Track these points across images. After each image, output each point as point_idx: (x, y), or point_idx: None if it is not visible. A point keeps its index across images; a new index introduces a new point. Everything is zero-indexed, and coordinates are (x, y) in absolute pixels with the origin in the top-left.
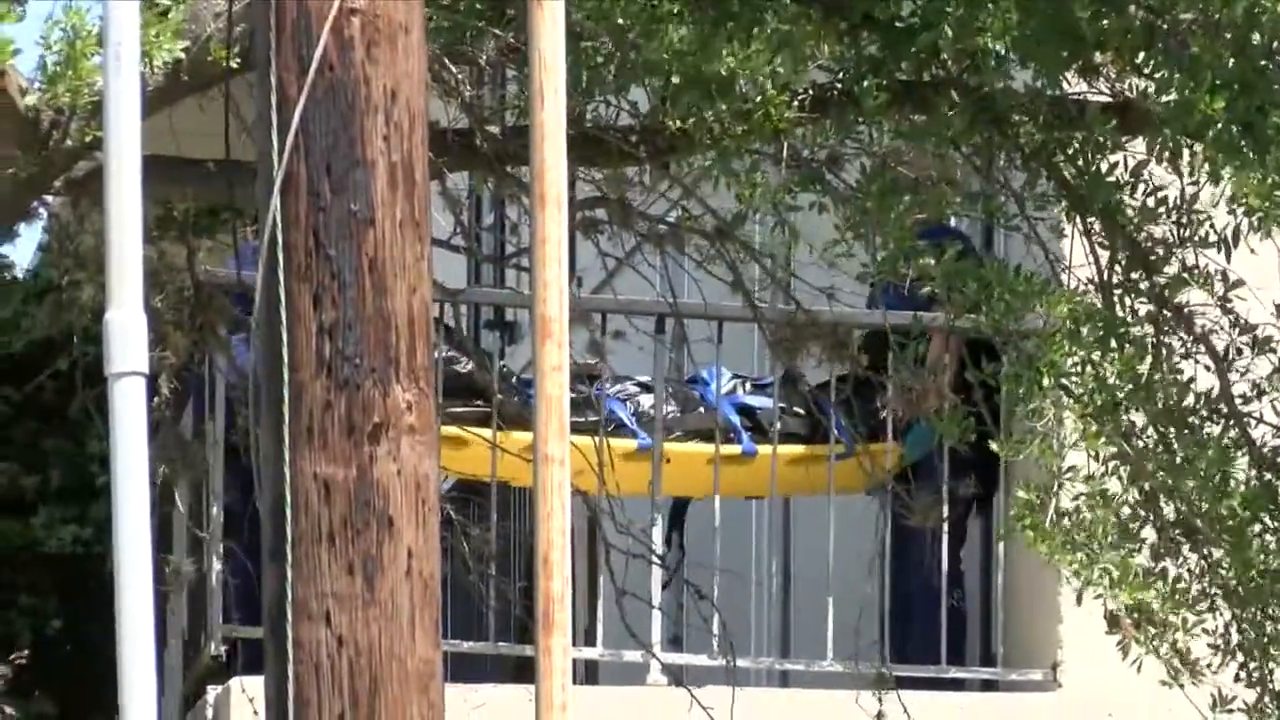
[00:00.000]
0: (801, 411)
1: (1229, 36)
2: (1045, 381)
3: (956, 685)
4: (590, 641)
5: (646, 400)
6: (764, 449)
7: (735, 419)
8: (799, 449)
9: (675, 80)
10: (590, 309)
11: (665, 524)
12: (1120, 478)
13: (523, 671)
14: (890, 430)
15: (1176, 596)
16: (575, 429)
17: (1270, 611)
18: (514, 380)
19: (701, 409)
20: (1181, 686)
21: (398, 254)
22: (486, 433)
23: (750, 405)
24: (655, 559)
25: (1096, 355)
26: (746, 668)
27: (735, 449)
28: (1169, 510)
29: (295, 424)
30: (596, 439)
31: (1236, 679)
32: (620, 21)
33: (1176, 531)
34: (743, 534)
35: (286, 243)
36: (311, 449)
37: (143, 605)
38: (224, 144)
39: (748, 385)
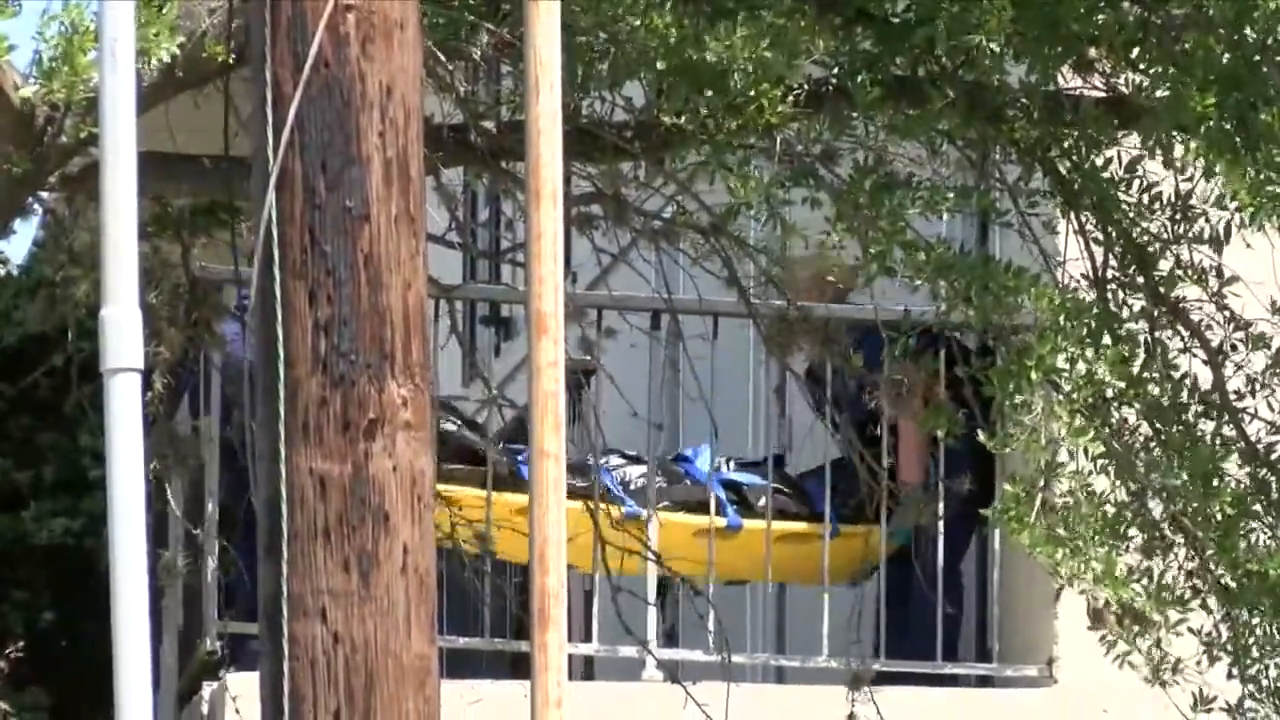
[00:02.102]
0: (789, 490)
1: (1221, 32)
2: (1033, 376)
3: (952, 681)
4: (586, 637)
5: (634, 471)
6: (749, 523)
7: (721, 493)
8: (785, 525)
9: (664, 66)
10: (585, 305)
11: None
12: (1108, 474)
13: (519, 667)
14: (876, 513)
15: (1162, 594)
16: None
17: (1260, 610)
18: (501, 444)
19: (687, 482)
20: (1164, 685)
21: (393, 250)
22: (475, 491)
23: (736, 481)
24: (651, 555)
25: (1088, 352)
26: (742, 663)
27: (720, 521)
28: (1157, 508)
29: (291, 420)
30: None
31: (1230, 677)
32: (611, 13)
33: (1166, 528)
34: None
35: (282, 239)
36: (307, 445)
37: (138, 601)
38: (220, 140)
39: (732, 464)
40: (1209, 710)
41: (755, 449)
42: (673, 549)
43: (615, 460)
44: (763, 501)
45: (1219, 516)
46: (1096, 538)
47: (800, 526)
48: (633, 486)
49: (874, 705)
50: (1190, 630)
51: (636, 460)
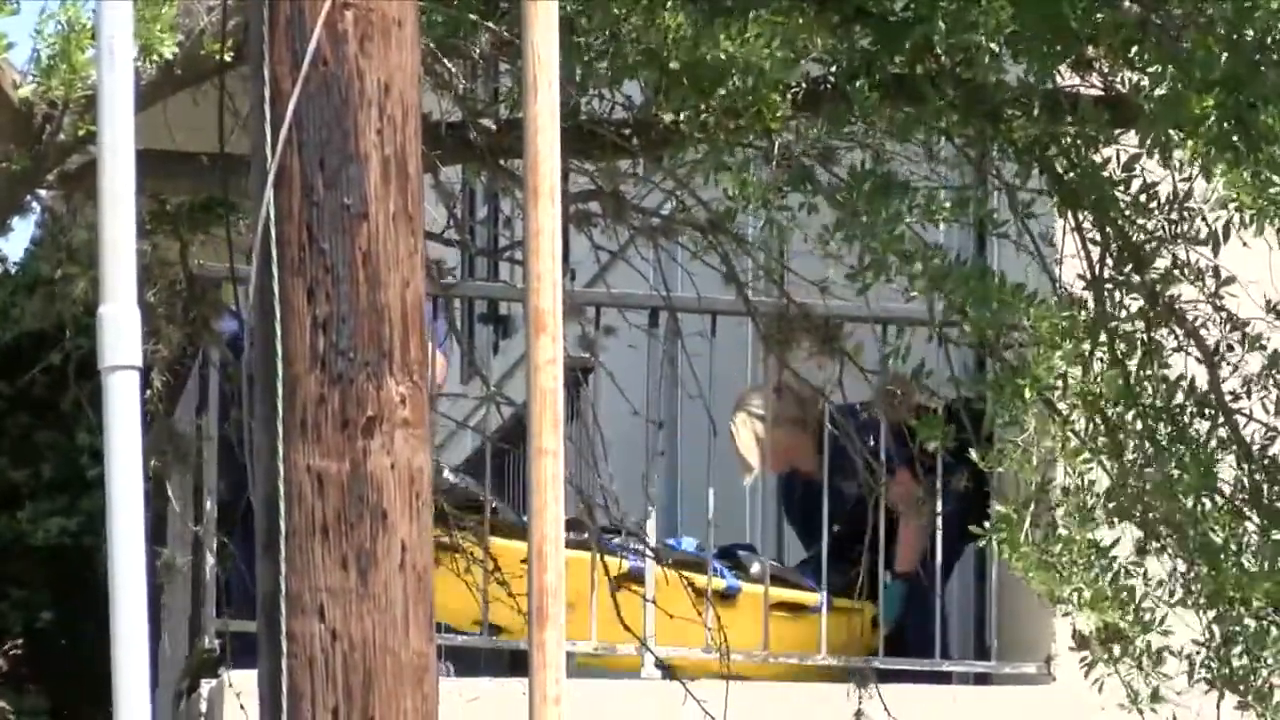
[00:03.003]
0: (779, 564)
1: (1221, 32)
2: (1027, 394)
3: (949, 679)
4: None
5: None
6: (747, 587)
7: (716, 562)
8: (781, 593)
9: (673, 66)
10: (583, 302)
11: None
12: (1097, 495)
13: (518, 665)
14: (865, 590)
15: (1145, 617)
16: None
17: (1255, 612)
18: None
19: (682, 551)
20: (1141, 713)
21: (391, 247)
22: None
23: (731, 550)
24: (649, 552)
25: (1078, 368)
26: (740, 660)
27: (719, 584)
28: (1150, 515)
29: (289, 418)
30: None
31: (1215, 680)
32: (615, 11)
33: (1160, 531)
34: (736, 525)
35: (280, 237)
36: (305, 442)
37: (136, 599)
38: (218, 138)
39: (716, 549)
40: None
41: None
42: (673, 611)
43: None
44: (757, 567)
45: (1213, 518)
46: (1083, 561)
47: (795, 595)
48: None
49: (880, 701)
50: (1171, 652)
51: (629, 533)
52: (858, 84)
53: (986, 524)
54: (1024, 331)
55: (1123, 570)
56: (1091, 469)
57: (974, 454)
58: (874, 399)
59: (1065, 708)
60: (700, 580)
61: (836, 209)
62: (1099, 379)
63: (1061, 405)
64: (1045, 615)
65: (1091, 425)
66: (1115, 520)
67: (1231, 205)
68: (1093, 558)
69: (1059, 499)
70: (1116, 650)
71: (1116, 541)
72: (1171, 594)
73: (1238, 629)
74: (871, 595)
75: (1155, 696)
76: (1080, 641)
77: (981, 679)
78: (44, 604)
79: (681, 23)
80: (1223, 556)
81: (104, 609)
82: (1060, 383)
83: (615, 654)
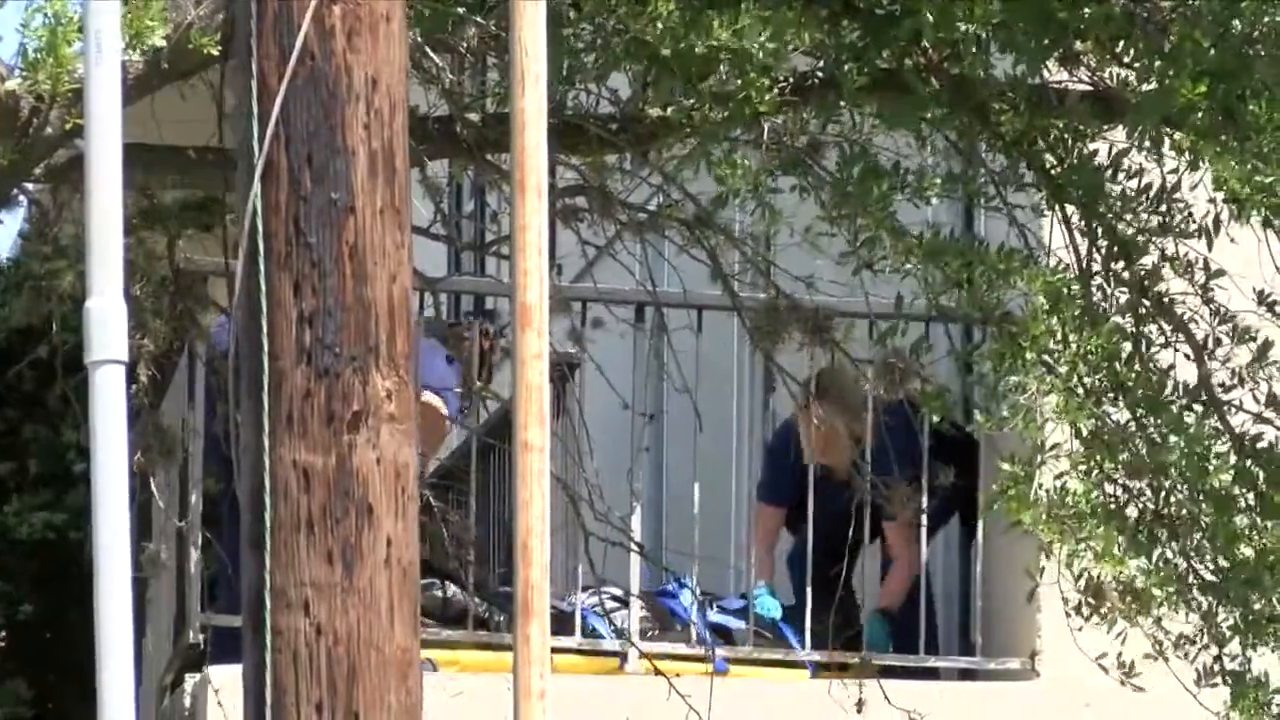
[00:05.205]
0: (768, 635)
1: (1208, 24)
2: (1028, 355)
3: (934, 675)
4: (569, 630)
5: (623, 614)
6: (735, 668)
7: (707, 635)
8: (770, 671)
9: (664, 54)
10: (570, 297)
11: None
12: (1099, 458)
13: None
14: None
15: (1160, 572)
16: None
17: (1250, 596)
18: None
19: (677, 627)
20: (1165, 660)
21: (378, 242)
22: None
23: (723, 625)
24: (635, 547)
25: (1075, 336)
26: (725, 656)
27: (707, 666)
28: (1147, 496)
29: (275, 412)
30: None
31: (1212, 665)
32: (606, 2)
33: (1158, 511)
34: (722, 521)
35: (267, 231)
36: (291, 437)
37: (121, 593)
38: (207, 132)
39: (714, 605)
40: (1214, 685)
41: (742, 434)
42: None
43: (607, 602)
44: (748, 646)
45: (1205, 506)
46: (1096, 514)
47: (782, 672)
48: (621, 626)
49: (879, 693)
50: (1189, 605)
51: (626, 603)
52: (846, 69)
53: (978, 518)
54: (1014, 303)
55: (1132, 530)
56: (1095, 423)
57: (978, 417)
58: (872, 379)
59: (1049, 703)
60: (692, 669)
61: (827, 191)
62: (1093, 339)
63: (1061, 368)
64: (1030, 611)
65: (1090, 383)
66: (1117, 490)
67: (1220, 197)
68: (1102, 513)
69: (1064, 458)
70: (1135, 605)
71: (1131, 497)
72: (1185, 557)
73: (1238, 616)
74: (853, 641)
75: (1178, 645)
76: (1096, 593)
77: (966, 675)
78: (28, 597)
79: (671, 10)
80: (1226, 540)
81: (88, 603)
82: (1060, 344)
83: (600, 648)
